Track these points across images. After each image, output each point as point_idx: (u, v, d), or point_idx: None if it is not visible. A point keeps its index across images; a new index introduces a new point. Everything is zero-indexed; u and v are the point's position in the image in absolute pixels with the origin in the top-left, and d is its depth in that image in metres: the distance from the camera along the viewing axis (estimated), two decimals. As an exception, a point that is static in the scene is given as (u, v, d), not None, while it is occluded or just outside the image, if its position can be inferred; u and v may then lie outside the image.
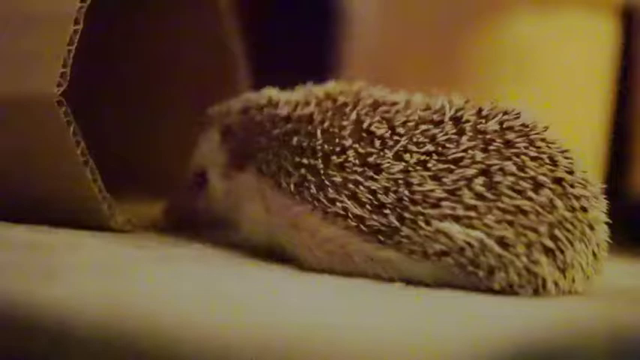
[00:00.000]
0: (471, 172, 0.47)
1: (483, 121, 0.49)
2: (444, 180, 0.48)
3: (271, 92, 0.57)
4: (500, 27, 0.72)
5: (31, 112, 0.53)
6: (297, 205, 0.52)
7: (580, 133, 0.75)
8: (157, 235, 0.57)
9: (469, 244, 0.47)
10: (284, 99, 0.56)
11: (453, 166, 0.48)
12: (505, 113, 0.50)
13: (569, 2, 0.73)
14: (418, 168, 0.48)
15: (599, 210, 0.49)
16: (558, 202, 0.47)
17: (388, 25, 0.78)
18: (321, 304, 0.42)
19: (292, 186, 0.52)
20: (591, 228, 0.48)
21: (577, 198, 0.48)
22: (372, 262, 0.49)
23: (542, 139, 0.49)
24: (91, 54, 0.53)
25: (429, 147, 0.49)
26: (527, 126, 0.49)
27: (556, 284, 0.47)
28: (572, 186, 0.48)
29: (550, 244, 0.47)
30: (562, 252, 0.47)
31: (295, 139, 0.53)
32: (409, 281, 0.48)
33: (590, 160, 0.75)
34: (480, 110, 0.50)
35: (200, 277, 0.46)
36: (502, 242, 0.46)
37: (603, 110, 0.77)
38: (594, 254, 0.48)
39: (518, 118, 0.50)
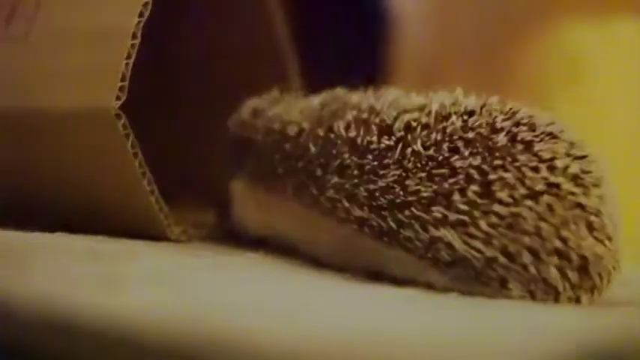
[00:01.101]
0: (466, 176, 0.46)
1: (494, 136, 0.47)
2: (437, 182, 0.47)
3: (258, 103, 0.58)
4: (550, 34, 0.72)
5: (91, 125, 0.54)
6: (301, 208, 0.53)
7: (631, 140, 0.74)
8: (212, 245, 0.58)
9: (472, 255, 0.46)
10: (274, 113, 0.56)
11: (447, 171, 0.47)
12: (518, 124, 0.48)
13: (619, 10, 0.73)
14: (415, 171, 0.48)
15: (602, 195, 0.46)
16: (557, 205, 0.45)
17: (438, 29, 0.78)
18: (377, 312, 0.42)
19: (290, 189, 0.53)
20: (597, 215, 0.46)
21: (573, 194, 0.46)
22: (387, 260, 0.49)
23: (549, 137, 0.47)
24: (145, 65, 0.54)
25: (430, 152, 0.48)
26: (537, 133, 0.47)
27: (578, 285, 0.46)
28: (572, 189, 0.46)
29: (558, 243, 0.45)
30: (574, 250, 0.45)
31: (287, 145, 0.54)
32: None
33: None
34: (494, 122, 0.48)
35: (255, 285, 0.47)
36: (505, 252, 0.45)
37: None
38: (605, 243, 0.46)
39: (532, 123, 0.48)
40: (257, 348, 0.34)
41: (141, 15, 0.54)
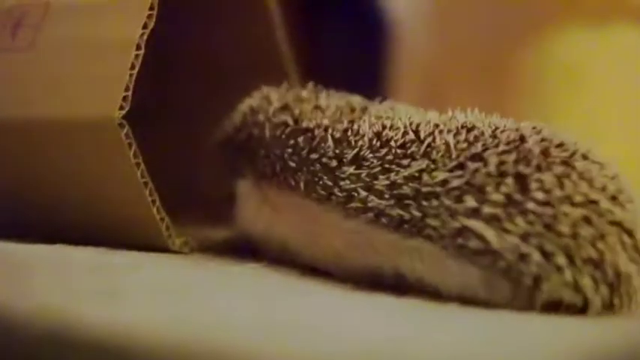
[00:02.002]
0: (502, 170, 0.46)
1: (526, 144, 0.47)
2: (470, 175, 0.46)
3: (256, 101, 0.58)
4: (550, 41, 0.72)
5: (94, 135, 0.54)
6: (311, 203, 0.52)
7: (632, 146, 0.74)
8: (213, 256, 0.58)
9: (506, 248, 0.45)
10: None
11: (480, 164, 0.46)
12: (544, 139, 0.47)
13: (617, 17, 0.73)
14: (444, 162, 0.47)
15: (635, 214, 0.46)
16: (594, 217, 0.45)
17: (437, 38, 0.78)
18: (379, 324, 0.42)
19: (302, 184, 0.53)
20: (630, 234, 0.46)
21: (611, 212, 0.45)
22: (401, 254, 0.48)
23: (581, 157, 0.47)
24: (149, 76, 0.54)
25: (462, 145, 0.47)
26: (569, 151, 0.47)
27: (608, 301, 0.45)
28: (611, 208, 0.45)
29: (594, 254, 0.45)
30: (609, 264, 0.45)
31: (302, 138, 0.53)
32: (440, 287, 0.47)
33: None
34: (523, 135, 0.47)
35: (257, 297, 0.47)
36: (542, 250, 0.45)
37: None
38: (637, 262, 0.46)
39: (561, 141, 0.47)
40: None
41: (145, 26, 0.54)
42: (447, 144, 0.48)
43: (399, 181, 0.48)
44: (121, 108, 0.53)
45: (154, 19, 0.54)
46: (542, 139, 0.47)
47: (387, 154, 0.49)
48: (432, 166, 0.47)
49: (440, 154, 0.47)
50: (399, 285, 0.49)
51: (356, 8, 0.97)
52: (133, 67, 0.53)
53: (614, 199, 0.46)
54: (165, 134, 0.67)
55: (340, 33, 0.97)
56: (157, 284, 0.47)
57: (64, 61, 0.56)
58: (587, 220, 0.45)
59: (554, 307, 0.45)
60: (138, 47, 0.54)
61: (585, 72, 0.73)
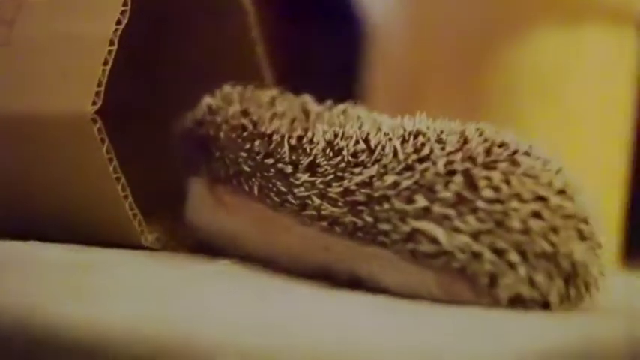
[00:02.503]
0: (450, 169, 0.46)
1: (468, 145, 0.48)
2: (419, 175, 0.47)
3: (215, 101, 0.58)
4: (522, 43, 0.72)
5: (67, 130, 0.54)
6: (264, 208, 0.53)
7: (604, 148, 0.75)
8: (185, 253, 0.58)
9: (458, 248, 0.45)
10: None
11: (429, 164, 0.47)
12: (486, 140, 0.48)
13: (590, 17, 0.73)
14: (393, 166, 0.48)
15: (587, 204, 0.47)
16: (545, 212, 0.46)
17: (413, 43, 0.78)
18: (353, 322, 0.42)
19: (256, 189, 0.53)
20: (586, 222, 0.47)
21: (562, 207, 0.46)
22: (356, 258, 0.49)
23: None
24: (123, 71, 0.55)
25: (408, 150, 0.48)
26: (511, 150, 0.48)
27: (564, 294, 0.46)
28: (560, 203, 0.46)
29: (547, 247, 0.45)
30: (563, 256, 0.45)
31: (258, 142, 0.53)
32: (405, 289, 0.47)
33: (614, 176, 0.75)
34: (466, 137, 0.48)
35: (230, 296, 0.47)
36: (494, 248, 0.45)
37: (627, 125, 0.77)
38: (595, 251, 0.47)
39: (502, 141, 0.48)
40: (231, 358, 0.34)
41: (119, 22, 0.54)
42: (395, 150, 0.48)
43: (351, 187, 0.49)
44: (94, 103, 0.53)
45: (127, 15, 0.54)
46: (485, 140, 0.48)
47: (340, 162, 0.50)
48: (382, 170, 0.48)
49: (389, 160, 0.48)
50: (354, 285, 0.49)
51: (332, 9, 0.98)
52: (106, 63, 0.53)
53: (562, 193, 0.47)
54: (140, 131, 0.67)
55: (316, 33, 0.97)
56: (129, 281, 0.47)
57: (37, 56, 0.56)
58: (537, 215, 0.46)
59: (519, 302, 0.45)
60: (111, 43, 0.54)
61: (559, 75, 0.73)
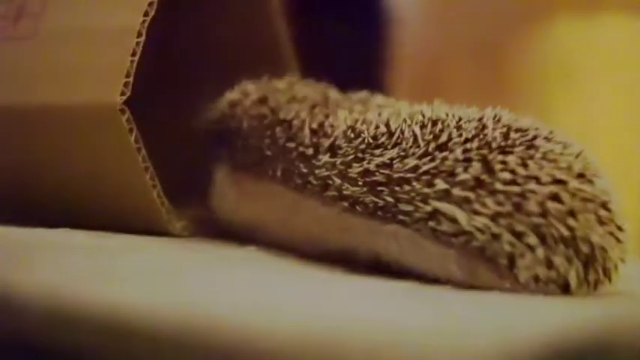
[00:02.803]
0: (467, 156, 0.47)
1: (487, 131, 0.48)
2: (439, 161, 0.47)
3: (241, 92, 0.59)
4: (544, 33, 0.72)
5: (95, 120, 0.55)
6: (288, 191, 0.54)
7: (623, 133, 0.75)
8: (212, 239, 0.59)
9: (477, 229, 0.46)
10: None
11: (447, 153, 0.47)
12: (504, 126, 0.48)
13: (608, 8, 0.73)
14: (413, 151, 0.48)
15: (607, 188, 0.47)
16: (564, 195, 0.46)
17: (434, 32, 0.79)
18: (370, 307, 0.42)
19: (279, 173, 0.54)
20: (605, 206, 0.46)
21: (581, 190, 0.46)
22: (377, 237, 0.49)
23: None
24: (150, 61, 0.55)
25: (427, 137, 0.49)
26: (529, 135, 0.48)
27: (583, 278, 0.46)
28: (579, 186, 0.46)
29: (565, 232, 0.45)
30: (581, 240, 0.45)
31: (279, 128, 0.55)
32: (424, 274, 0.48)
33: (634, 161, 0.75)
34: (484, 124, 0.49)
35: (254, 279, 0.47)
36: (512, 231, 0.45)
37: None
38: (616, 238, 0.47)
39: (519, 126, 0.48)
40: (251, 341, 0.34)
41: (146, 14, 0.55)
42: (414, 135, 0.49)
43: (371, 168, 0.49)
44: (122, 94, 0.54)
45: (154, 7, 0.55)
46: (503, 125, 0.48)
47: (360, 143, 0.51)
48: (402, 154, 0.49)
49: (409, 145, 0.49)
50: (375, 267, 0.50)
51: (354, 1, 0.98)
52: (134, 54, 0.54)
53: (581, 176, 0.47)
54: (168, 120, 0.68)
55: (339, 24, 0.97)
56: (155, 266, 0.48)
57: (65, 48, 0.57)
58: (556, 197, 0.46)
59: (539, 284, 0.46)
60: (139, 34, 0.54)
61: (578, 63, 0.73)
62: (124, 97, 0.54)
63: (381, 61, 0.86)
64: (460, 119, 0.49)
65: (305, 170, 0.52)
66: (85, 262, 0.46)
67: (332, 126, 0.53)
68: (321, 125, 0.53)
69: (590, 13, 0.72)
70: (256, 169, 0.56)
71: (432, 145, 0.48)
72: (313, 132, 0.53)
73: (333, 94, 0.58)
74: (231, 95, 0.59)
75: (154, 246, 0.54)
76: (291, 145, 0.54)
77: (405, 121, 0.50)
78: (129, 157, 0.55)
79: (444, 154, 0.48)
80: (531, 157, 0.47)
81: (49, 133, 0.57)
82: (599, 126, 0.74)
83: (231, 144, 0.58)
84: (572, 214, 0.46)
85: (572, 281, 0.46)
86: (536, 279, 0.46)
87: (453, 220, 0.46)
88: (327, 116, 0.54)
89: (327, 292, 0.46)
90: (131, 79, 0.54)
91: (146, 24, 0.55)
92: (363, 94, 0.58)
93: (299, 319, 0.38)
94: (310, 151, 0.53)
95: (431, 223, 0.47)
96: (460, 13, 0.75)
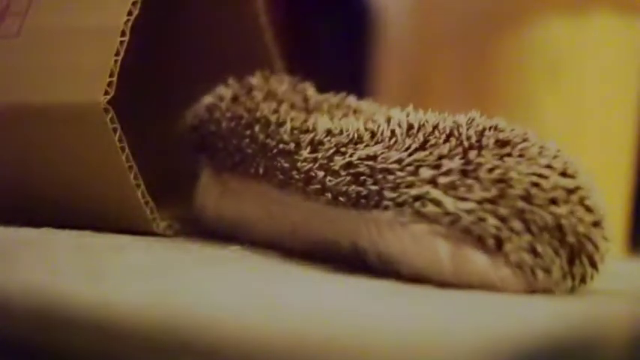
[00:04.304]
0: (448, 150, 0.47)
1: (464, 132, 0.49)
2: (422, 154, 0.48)
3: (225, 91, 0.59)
4: (531, 31, 0.73)
5: (79, 120, 0.55)
6: (271, 188, 0.54)
7: (612, 135, 0.75)
8: (197, 239, 0.59)
9: (463, 211, 0.46)
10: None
11: (431, 149, 0.48)
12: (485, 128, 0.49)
13: (597, 5, 0.73)
14: (397, 147, 0.49)
15: (589, 184, 0.47)
16: (546, 183, 0.46)
17: (420, 31, 0.79)
18: (354, 306, 0.43)
19: (262, 169, 0.54)
20: (588, 201, 0.47)
21: (563, 182, 0.47)
22: (359, 227, 0.49)
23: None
24: (134, 62, 0.55)
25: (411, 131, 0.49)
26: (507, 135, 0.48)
27: (568, 270, 0.46)
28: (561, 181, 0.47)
29: (550, 220, 0.46)
30: (567, 229, 0.46)
31: (257, 126, 0.55)
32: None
33: (621, 161, 0.75)
34: (459, 126, 0.49)
35: (238, 278, 0.48)
36: (497, 216, 0.46)
37: (633, 111, 0.77)
38: (601, 229, 0.47)
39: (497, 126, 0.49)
40: (237, 340, 0.35)
41: (130, 14, 0.55)
42: (395, 136, 0.50)
43: (354, 161, 0.50)
44: (106, 93, 0.54)
45: (138, 7, 0.55)
46: (478, 125, 0.49)
47: (342, 139, 0.51)
48: (386, 150, 0.49)
49: (391, 143, 0.49)
50: (359, 265, 0.50)
51: (340, 1, 0.98)
52: (117, 54, 0.54)
53: (563, 174, 0.47)
54: (151, 120, 0.68)
55: (324, 25, 0.98)
56: (140, 265, 0.48)
57: (49, 48, 0.57)
58: (538, 186, 0.46)
59: (525, 270, 0.46)
60: (123, 34, 0.55)
61: (566, 62, 0.73)
62: (108, 97, 0.54)
63: (366, 59, 0.86)
64: (437, 124, 0.50)
65: (286, 165, 0.53)
66: (70, 262, 0.46)
67: (312, 125, 0.53)
68: (302, 122, 0.54)
69: (578, 11, 0.73)
70: (239, 168, 0.57)
71: (414, 146, 0.49)
72: (293, 129, 0.54)
73: (312, 93, 0.58)
74: (208, 100, 0.60)
75: (139, 245, 0.54)
76: (272, 142, 0.54)
77: (382, 124, 0.51)
78: (113, 157, 0.55)
79: (424, 153, 0.48)
80: (509, 155, 0.47)
81: (33, 133, 0.57)
82: (587, 124, 0.74)
83: (212, 147, 0.59)
84: (555, 202, 0.46)
85: (556, 272, 0.46)
86: (523, 265, 0.46)
87: (439, 204, 0.46)
88: (305, 120, 0.55)
89: (312, 291, 0.46)
90: (115, 79, 0.54)
91: (130, 23, 0.55)
92: (342, 96, 0.58)
93: (284, 318, 0.38)
94: (291, 147, 0.53)
95: (416, 204, 0.47)
96: (447, 10, 0.76)
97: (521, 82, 0.73)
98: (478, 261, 0.46)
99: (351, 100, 0.58)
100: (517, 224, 0.46)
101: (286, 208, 0.54)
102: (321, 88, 0.59)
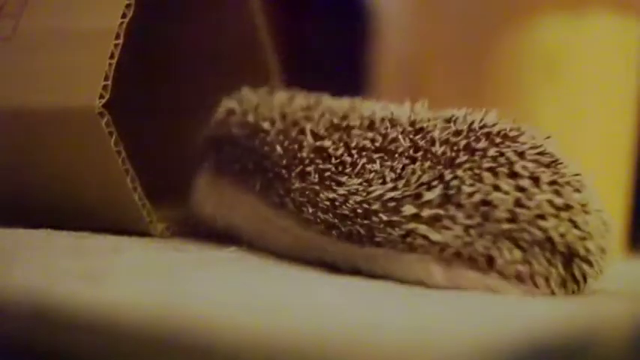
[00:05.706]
0: (427, 178, 0.47)
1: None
2: (400, 183, 0.48)
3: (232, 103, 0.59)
4: (529, 30, 0.73)
5: (75, 123, 0.55)
6: (265, 207, 0.54)
7: (612, 135, 0.75)
8: (195, 241, 0.59)
9: (451, 238, 0.46)
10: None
11: (409, 176, 0.48)
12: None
13: (598, 5, 0.73)
14: (377, 181, 0.49)
15: (582, 194, 0.47)
16: (528, 201, 0.46)
17: (418, 29, 0.79)
18: (352, 307, 0.43)
19: (258, 186, 0.54)
20: (585, 212, 0.47)
21: (549, 199, 0.46)
22: (357, 258, 0.50)
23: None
24: (130, 65, 0.55)
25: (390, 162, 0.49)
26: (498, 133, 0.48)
27: (565, 274, 0.46)
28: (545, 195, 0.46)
29: (539, 234, 0.46)
30: (556, 240, 0.46)
31: (257, 141, 0.55)
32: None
33: (619, 159, 0.75)
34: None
35: (235, 279, 0.48)
36: (484, 237, 0.46)
37: (632, 109, 0.77)
38: (597, 238, 0.47)
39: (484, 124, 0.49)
40: (234, 341, 0.34)
41: (124, 16, 0.55)
42: (375, 170, 0.49)
43: (338, 199, 0.50)
44: (101, 97, 0.54)
45: (132, 9, 0.55)
46: (449, 134, 0.49)
47: (325, 170, 0.51)
48: (366, 184, 0.49)
49: (372, 176, 0.49)
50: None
51: (337, 1, 0.98)
52: (112, 57, 0.54)
53: (553, 184, 0.47)
54: (148, 122, 0.68)
55: (321, 25, 0.98)
56: (138, 266, 0.48)
57: (44, 50, 0.57)
58: (522, 206, 0.46)
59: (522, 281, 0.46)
60: (117, 37, 0.54)
61: (564, 60, 0.73)
62: (103, 100, 0.54)
63: (364, 59, 0.86)
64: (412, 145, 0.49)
65: (281, 192, 0.53)
66: (68, 263, 0.46)
67: (301, 147, 0.53)
68: (290, 144, 0.53)
69: (576, 11, 0.73)
70: (237, 178, 0.56)
71: (391, 175, 0.49)
72: (285, 150, 0.53)
73: (301, 103, 0.58)
74: (229, 103, 0.60)
75: (137, 247, 0.54)
76: (267, 164, 0.54)
77: (362, 149, 0.51)
78: (109, 160, 0.54)
79: (403, 180, 0.48)
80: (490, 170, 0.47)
81: (29, 136, 0.57)
82: (586, 124, 0.74)
83: (219, 150, 0.58)
84: (542, 217, 0.46)
85: (554, 281, 0.46)
86: (520, 275, 0.46)
87: (426, 238, 0.47)
88: (296, 140, 0.54)
89: (307, 291, 0.46)
90: (110, 82, 0.54)
91: (124, 26, 0.55)
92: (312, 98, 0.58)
93: (282, 318, 0.38)
94: (285, 174, 0.53)
95: (407, 239, 0.47)
96: (444, 9, 0.75)
97: (520, 82, 0.73)
98: (471, 277, 0.47)
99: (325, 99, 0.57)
100: (506, 243, 0.46)
101: (279, 231, 0.54)
102: (320, 89, 0.59)
